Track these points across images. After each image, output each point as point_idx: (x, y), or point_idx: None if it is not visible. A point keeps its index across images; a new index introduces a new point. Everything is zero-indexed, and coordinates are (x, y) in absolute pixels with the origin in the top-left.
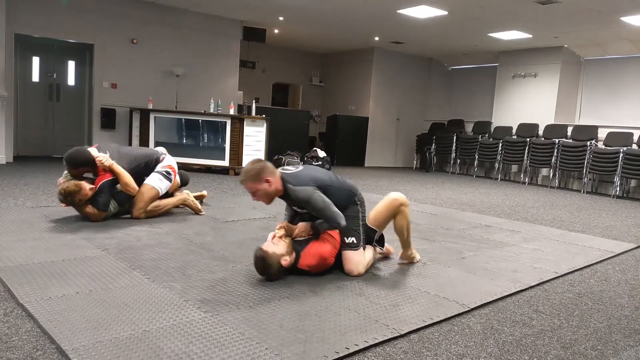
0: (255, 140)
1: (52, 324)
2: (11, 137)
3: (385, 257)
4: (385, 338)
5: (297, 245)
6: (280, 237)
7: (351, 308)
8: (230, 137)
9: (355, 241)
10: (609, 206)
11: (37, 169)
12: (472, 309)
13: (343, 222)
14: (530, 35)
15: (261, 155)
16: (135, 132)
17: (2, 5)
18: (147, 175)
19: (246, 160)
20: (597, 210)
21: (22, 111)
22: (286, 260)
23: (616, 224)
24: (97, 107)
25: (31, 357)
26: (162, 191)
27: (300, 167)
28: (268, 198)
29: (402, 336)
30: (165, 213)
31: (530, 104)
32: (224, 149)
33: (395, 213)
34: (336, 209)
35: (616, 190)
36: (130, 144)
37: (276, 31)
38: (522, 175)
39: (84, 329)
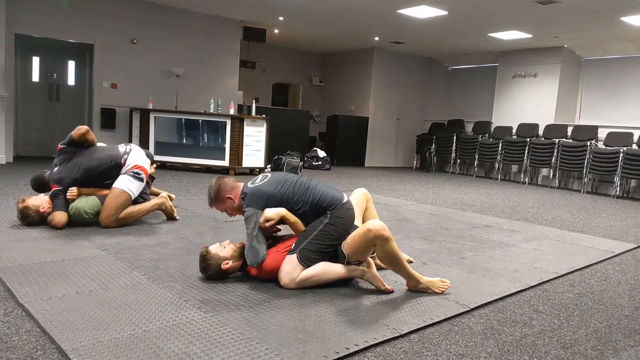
0: (255, 140)
1: (52, 324)
2: (11, 137)
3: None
4: (385, 338)
5: None
6: (229, 242)
7: (351, 308)
8: (230, 137)
9: (293, 247)
10: (609, 206)
11: (37, 169)
12: (472, 309)
13: (253, 260)
14: (530, 35)
15: (261, 155)
16: (135, 132)
17: (2, 5)
18: (112, 178)
19: (246, 160)
20: (597, 210)
21: (22, 111)
22: (227, 264)
23: (616, 224)
24: (97, 107)
25: (31, 357)
26: (134, 194)
27: (267, 178)
28: (238, 211)
29: (402, 336)
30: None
31: (530, 104)
32: (224, 149)
33: (372, 245)
34: (257, 245)
35: (616, 190)
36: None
37: (276, 31)
38: (522, 175)
39: (84, 329)
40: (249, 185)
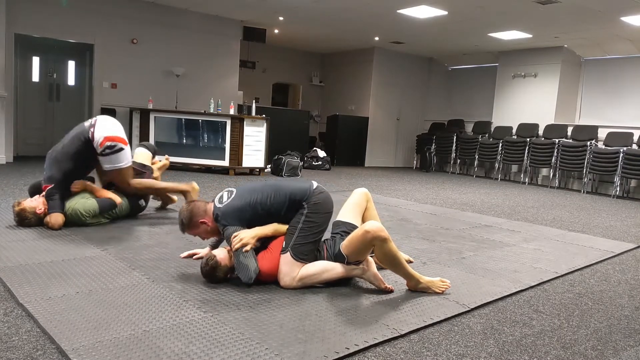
0: (255, 140)
1: (52, 324)
2: (11, 137)
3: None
4: (385, 338)
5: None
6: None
7: (351, 308)
8: (230, 137)
9: (283, 245)
10: (609, 206)
11: (37, 169)
12: (472, 309)
13: (246, 277)
14: (530, 35)
15: (261, 155)
16: (136, 132)
17: (2, 5)
18: (91, 157)
19: (246, 160)
20: (597, 210)
21: (22, 111)
22: (233, 273)
23: (616, 224)
24: (97, 107)
25: (31, 357)
26: (128, 162)
27: (233, 193)
28: (214, 234)
29: (402, 336)
30: (164, 197)
31: (530, 104)
32: (224, 149)
33: (370, 247)
34: (245, 260)
35: (616, 190)
36: (130, 144)
37: (276, 31)
38: (522, 175)
39: (84, 329)
40: (218, 204)
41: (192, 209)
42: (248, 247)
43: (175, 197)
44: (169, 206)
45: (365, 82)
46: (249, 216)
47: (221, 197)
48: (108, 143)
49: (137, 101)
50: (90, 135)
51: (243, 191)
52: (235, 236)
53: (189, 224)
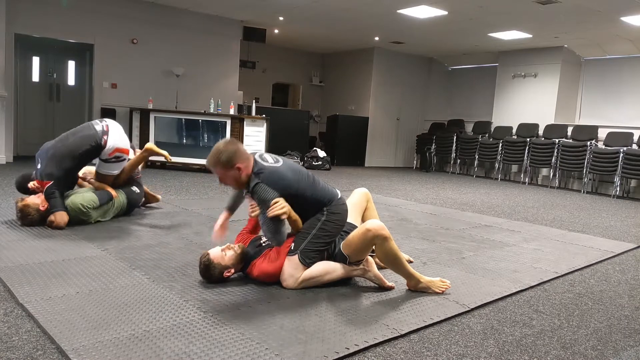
0: (255, 140)
1: (52, 324)
2: (11, 137)
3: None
4: (385, 338)
5: (252, 249)
6: (229, 246)
7: (351, 308)
8: (231, 137)
9: (292, 247)
10: (609, 206)
11: None
12: (472, 309)
13: (278, 242)
14: (530, 35)
15: None
16: (136, 132)
17: (2, 5)
18: (91, 160)
19: None
20: (597, 210)
21: (22, 111)
22: (229, 272)
23: (616, 224)
24: (97, 107)
25: (31, 357)
26: (118, 172)
27: (280, 162)
28: (238, 184)
29: (402, 336)
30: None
31: (530, 104)
32: None
33: (371, 245)
34: (282, 228)
35: (616, 190)
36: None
37: (276, 31)
38: (522, 175)
39: (84, 329)
40: (262, 162)
41: (236, 149)
42: (284, 217)
43: (159, 196)
44: (160, 205)
45: (365, 82)
46: (292, 192)
47: (262, 155)
48: (117, 154)
49: (137, 101)
50: (102, 142)
51: (291, 165)
52: (276, 202)
53: (227, 162)
